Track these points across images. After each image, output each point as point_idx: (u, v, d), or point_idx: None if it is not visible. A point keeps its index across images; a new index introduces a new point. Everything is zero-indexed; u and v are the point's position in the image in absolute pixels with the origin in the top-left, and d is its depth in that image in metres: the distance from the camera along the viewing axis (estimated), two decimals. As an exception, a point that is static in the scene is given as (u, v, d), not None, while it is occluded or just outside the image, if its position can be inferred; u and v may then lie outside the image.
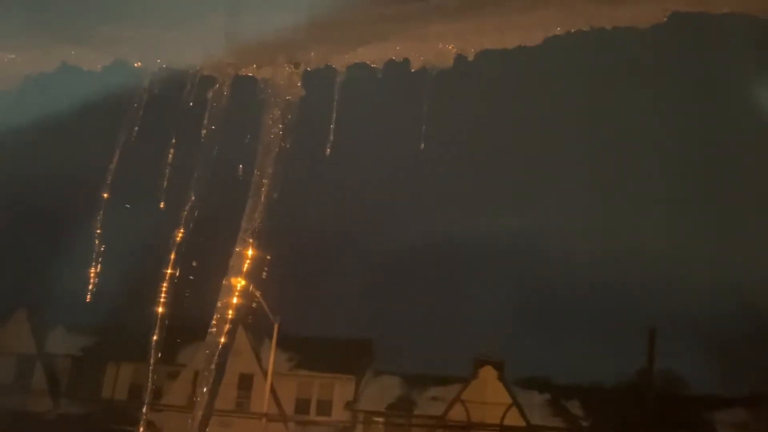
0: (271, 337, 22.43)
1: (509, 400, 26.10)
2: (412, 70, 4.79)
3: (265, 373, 26.42)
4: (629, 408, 22.77)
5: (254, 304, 20.14)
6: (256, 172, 4.92)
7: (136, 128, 5.62)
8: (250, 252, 7.08)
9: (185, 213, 5.69)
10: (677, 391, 25.94)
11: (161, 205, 5.96)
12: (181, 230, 5.99)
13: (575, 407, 27.08)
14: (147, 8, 5.03)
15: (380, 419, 28.18)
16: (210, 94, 5.25)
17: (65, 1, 5.26)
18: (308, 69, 4.98)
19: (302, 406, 29.48)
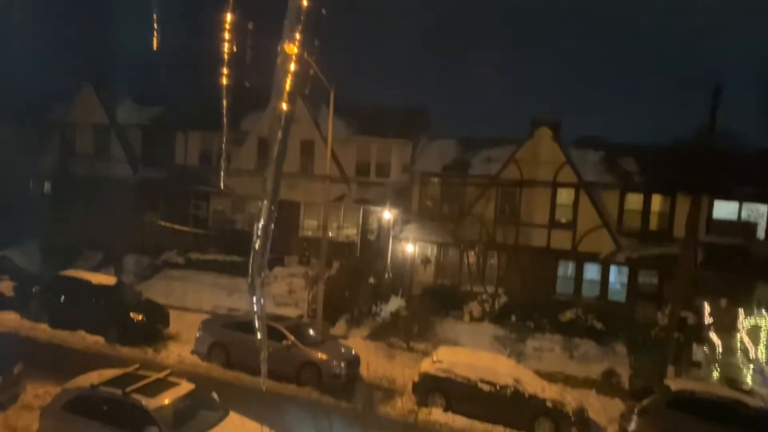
0: (328, 105, 22.82)
1: (563, 158, 26.57)
2: None
3: (324, 139, 27.39)
4: (686, 165, 22.88)
5: (311, 72, 20.25)
6: None
7: None
8: (304, 3, 6.97)
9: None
10: (735, 147, 25.75)
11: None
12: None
13: (630, 164, 27.40)
14: None
15: (436, 179, 29.46)
16: None
17: None
18: None
19: (362, 169, 31.01)
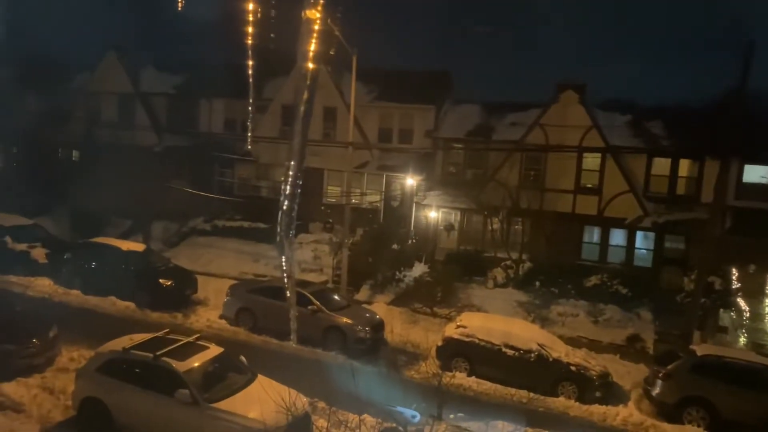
0: (350, 71, 22.65)
1: (589, 122, 26.15)
2: None
3: (347, 106, 27.26)
4: (715, 128, 22.38)
5: (334, 35, 20.04)
6: None
7: None
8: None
9: None
10: (765, 109, 25.09)
11: None
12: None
13: (657, 128, 26.87)
14: None
15: (459, 145, 29.25)
16: None
17: None
18: None
19: (385, 135, 30.88)
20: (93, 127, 34.56)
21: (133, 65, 35.79)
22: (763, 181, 24.82)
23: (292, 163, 5.61)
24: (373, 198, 29.95)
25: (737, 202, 24.71)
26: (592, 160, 26.55)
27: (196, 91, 34.01)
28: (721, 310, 22.66)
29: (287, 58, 22.21)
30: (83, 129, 34.85)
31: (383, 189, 30.22)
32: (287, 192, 5.58)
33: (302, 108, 5.73)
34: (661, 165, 26.29)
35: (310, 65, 5.65)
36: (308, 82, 5.68)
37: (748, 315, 22.56)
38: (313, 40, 6.13)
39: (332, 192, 31.17)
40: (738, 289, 23.35)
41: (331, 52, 23.22)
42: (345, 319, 18.61)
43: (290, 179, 5.56)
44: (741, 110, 18.72)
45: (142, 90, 35.27)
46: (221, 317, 20.17)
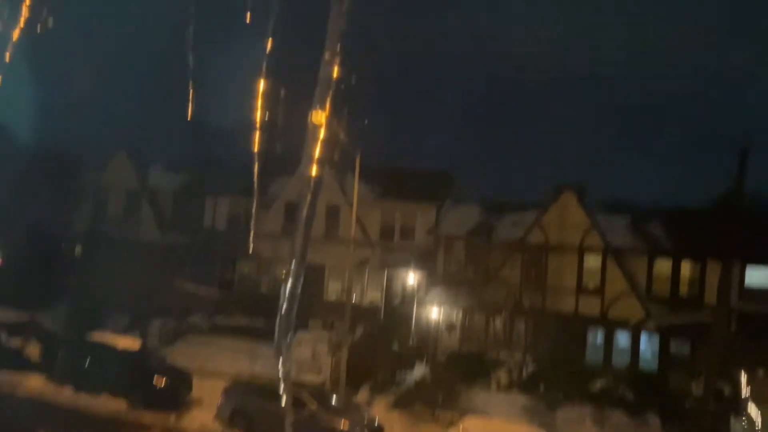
0: (353, 170, 23.22)
1: (589, 223, 26.40)
2: None
3: (350, 204, 27.68)
4: (715, 230, 22.57)
5: (339, 138, 20.67)
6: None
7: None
8: (335, 72, 7.16)
9: (271, 25, 5.82)
10: (766, 211, 25.40)
11: (247, 20, 6.11)
12: (270, 41, 6.17)
13: (657, 228, 27.09)
14: None
15: (461, 243, 29.39)
16: None
17: None
18: None
19: (386, 232, 31.13)
20: (98, 222, 34.93)
21: (142, 163, 36.62)
22: (767, 283, 24.71)
23: (293, 266, 5.65)
24: (374, 295, 29.76)
25: (741, 305, 24.48)
26: (593, 261, 26.57)
27: (201, 189, 34.63)
28: (732, 417, 21.91)
29: (293, 156, 22.81)
30: (88, 224, 35.20)
31: (384, 286, 30.10)
32: (287, 294, 5.59)
33: (304, 213, 5.84)
34: (663, 266, 26.28)
35: (314, 171, 5.81)
36: (311, 188, 5.82)
37: (760, 423, 21.78)
38: (318, 146, 6.34)
39: (333, 288, 31.04)
40: (748, 396, 22.68)
41: (335, 158, 23.81)
42: (343, 422, 18.01)
43: (290, 281, 5.59)
44: (740, 213, 18.96)
45: (149, 186, 35.92)
46: (215, 419, 19.54)
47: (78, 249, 36.48)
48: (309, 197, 6.05)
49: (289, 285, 6.28)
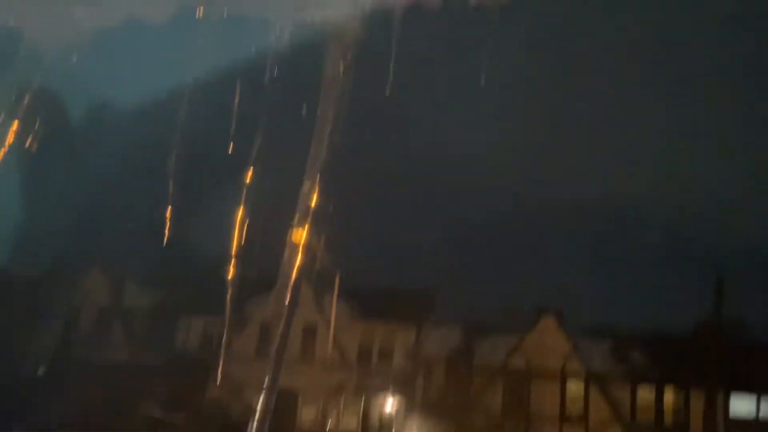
0: (332, 289, 23.01)
1: (569, 348, 26.05)
2: (472, 5, 4.76)
3: (327, 324, 27.15)
4: (695, 355, 22.38)
5: (317, 261, 20.63)
6: (318, 110, 5.04)
7: (202, 76, 5.81)
8: (314, 199, 7.24)
9: (253, 155, 5.89)
10: (746, 338, 25.31)
11: (229, 150, 6.19)
12: (250, 170, 6.22)
13: (639, 355, 26.73)
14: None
15: (441, 367, 28.62)
16: (272, 38, 5.36)
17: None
18: (367, 9, 5.02)
19: (364, 354, 30.25)
20: (66, 341, 33.69)
21: (117, 280, 35.98)
22: (751, 414, 24.12)
23: (262, 398, 5.34)
24: (350, 423, 28.44)
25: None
26: (575, 387, 25.96)
27: (175, 308, 33.87)
28: None
29: (270, 276, 22.59)
30: (55, 343, 33.89)
31: (361, 413, 28.84)
32: (254, 427, 5.20)
33: (277, 342, 5.63)
34: (646, 394, 25.70)
35: (288, 297, 5.67)
36: (285, 315, 5.65)
37: None
38: (294, 271, 6.24)
39: (307, 416, 29.59)
40: None
41: (312, 280, 23.74)
42: None
43: (258, 415, 5.22)
44: (720, 341, 18.86)
45: (122, 305, 35.09)
46: None
47: (41, 370, 34.87)
48: (282, 325, 5.88)
49: (257, 416, 5.93)
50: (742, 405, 24.38)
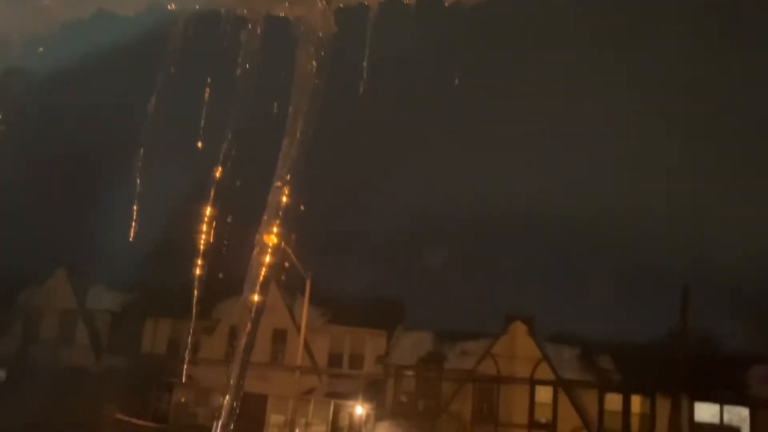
0: (303, 294, 22.81)
1: (539, 355, 26.20)
2: (446, 4, 4.73)
3: (298, 328, 26.91)
4: (661, 364, 22.69)
5: (287, 261, 20.47)
6: (290, 109, 4.95)
7: (172, 70, 5.68)
8: (284, 199, 7.08)
9: (222, 152, 5.77)
10: (711, 349, 25.73)
11: (199, 145, 6.06)
12: (219, 169, 6.09)
13: (606, 362, 27.03)
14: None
15: (411, 373, 28.57)
16: (243, 35, 5.26)
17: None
18: (341, 6, 4.95)
19: (335, 360, 30.08)
20: (28, 344, 32.83)
21: (83, 282, 35.18)
22: (715, 420, 24.52)
23: (227, 399, 5.21)
24: (320, 429, 28.20)
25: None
26: (544, 394, 26.10)
27: (142, 310, 33.25)
28: None
29: (239, 279, 22.31)
30: (17, 346, 32.99)
31: (330, 419, 28.62)
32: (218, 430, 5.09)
33: (242, 343, 5.50)
34: (614, 401, 25.94)
35: (255, 297, 5.56)
36: (252, 315, 5.53)
37: None
38: (263, 270, 6.11)
39: (275, 421, 29.29)
40: None
41: (282, 279, 23.49)
42: None
43: (223, 418, 5.11)
44: (685, 350, 19.14)
45: (87, 307, 34.33)
46: None
47: (1, 374, 33.94)
48: (249, 325, 5.74)
49: (221, 421, 5.76)
50: (706, 411, 24.75)
